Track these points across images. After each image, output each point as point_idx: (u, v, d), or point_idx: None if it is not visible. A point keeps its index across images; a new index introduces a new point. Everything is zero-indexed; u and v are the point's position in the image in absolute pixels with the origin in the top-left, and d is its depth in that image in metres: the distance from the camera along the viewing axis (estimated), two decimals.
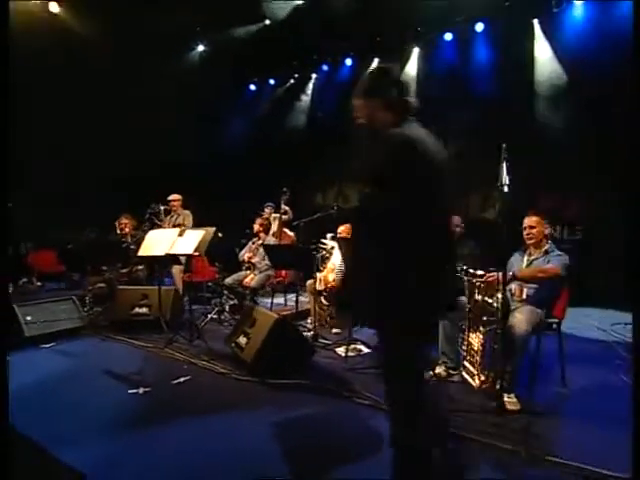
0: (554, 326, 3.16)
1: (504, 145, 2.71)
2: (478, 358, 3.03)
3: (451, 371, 3.32)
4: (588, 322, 4.78)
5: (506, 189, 2.60)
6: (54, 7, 7.39)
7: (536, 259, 3.21)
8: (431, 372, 3.14)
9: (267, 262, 5.18)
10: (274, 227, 6.14)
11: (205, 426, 2.62)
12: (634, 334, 1.77)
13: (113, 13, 6.97)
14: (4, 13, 1.71)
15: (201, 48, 8.49)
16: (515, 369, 2.85)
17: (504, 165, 2.70)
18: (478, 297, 3.04)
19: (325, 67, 8.81)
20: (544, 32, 6.71)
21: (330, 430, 2.62)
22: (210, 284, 6.06)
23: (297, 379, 3.23)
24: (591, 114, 5.92)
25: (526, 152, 6.56)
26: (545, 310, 3.13)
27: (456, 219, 3.93)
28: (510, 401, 2.80)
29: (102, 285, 5.46)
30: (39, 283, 7.06)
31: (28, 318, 4.10)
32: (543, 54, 6.73)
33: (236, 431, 2.58)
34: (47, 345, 4.14)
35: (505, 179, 2.62)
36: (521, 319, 2.88)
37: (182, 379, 3.32)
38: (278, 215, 5.94)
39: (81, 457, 2.21)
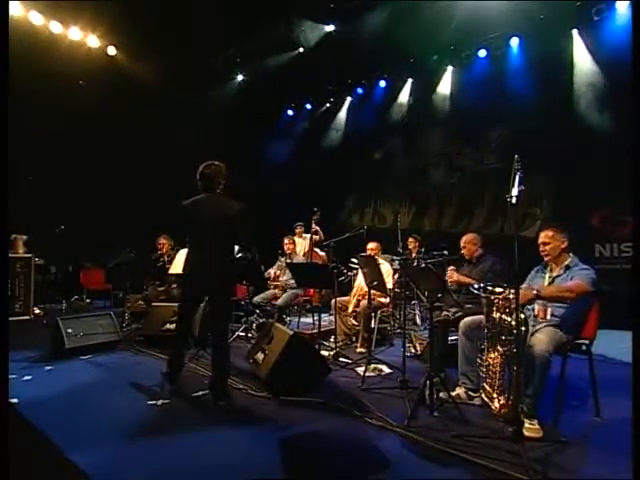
0: (583, 347, 2.92)
1: (516, 156, 2.63)
2: (497, 380, 2.86)
3: (471, 393, 3.16)
4: None
5: (514, 200, 2.49)
6: (112, 50, 8.26)
7: (558, 276, 3.00)
8: (447, 394, 2.99)
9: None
10: (305, 247, 6.22)
11: (212, 439, 2.66)
12: (634, 353, 1.62)
13: (161, 55, 7.65)
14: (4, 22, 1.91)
15: (240, 77, 8.98)
16: (536, 393, 2.65)
17: (517, 177, 2.60)
18: (496, 315, 2.89)
19: (359, 90, 8.98)
20: (584, 42, 6.46)
21: (335, 448, 2.57)
22: (243, 302, 6.19)
23: (310, 396, 3.21)
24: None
25: (570, 168, 6.29)
26: (574, 332, 2.91)
27: (468, 237, 3.82)
28: (531, 427, 2.60)
29: (141, 302, 5.76)
30: (88, 300, 7.55)
31: (69, 331, 4.40)
32: (584, 64, 6.46)
33: (240, 444, 2.59)
34: (85, 357, 4.43)
35: (515, 191, 2.51)
36: (542, 339, 2.70)
37: (200, 393, 3.40)
38: (309, 235, 6.02)
39: (90, 460, 2.32)
